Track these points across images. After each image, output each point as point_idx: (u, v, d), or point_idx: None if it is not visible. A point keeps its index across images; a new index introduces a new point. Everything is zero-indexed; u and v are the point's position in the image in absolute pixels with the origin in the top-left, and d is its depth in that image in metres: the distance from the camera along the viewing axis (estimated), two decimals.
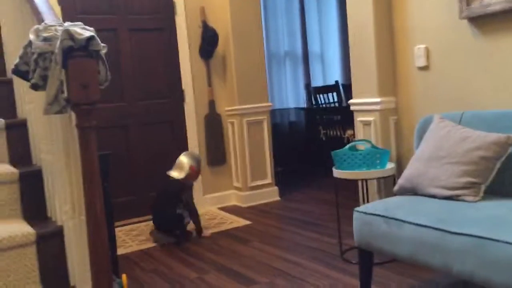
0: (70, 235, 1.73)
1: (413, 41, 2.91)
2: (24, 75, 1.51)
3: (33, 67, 1.42)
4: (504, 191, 2.17)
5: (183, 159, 3.60)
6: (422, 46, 2.85)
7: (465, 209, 1.99)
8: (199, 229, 3.57)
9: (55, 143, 1.72)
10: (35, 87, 1.43)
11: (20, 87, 2.30)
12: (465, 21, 2.59)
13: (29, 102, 2.14)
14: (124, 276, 2.66)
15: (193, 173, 3.60)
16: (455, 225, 1.86)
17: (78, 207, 1.59)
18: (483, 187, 2.12)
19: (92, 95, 1.37)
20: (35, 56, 1.41)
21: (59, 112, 1.42)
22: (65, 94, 1.38)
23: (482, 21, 2.52)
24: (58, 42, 1.35)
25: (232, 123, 4.45)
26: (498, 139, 2.12)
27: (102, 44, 1.46)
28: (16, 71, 1.51)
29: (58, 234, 1.84)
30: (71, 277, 1.83)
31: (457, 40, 2.66)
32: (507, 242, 1.67)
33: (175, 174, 3.57)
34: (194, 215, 3.54)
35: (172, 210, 3.46)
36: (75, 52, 1.34)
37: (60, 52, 1.32)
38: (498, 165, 2.13)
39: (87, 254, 1.54)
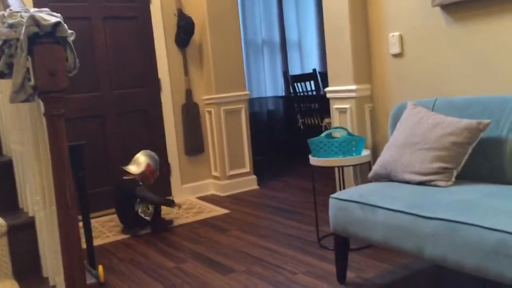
0: (41, 226, 1.70)
1: (387, 28, 2.92)
2: None
3: None
4: (476, 176, 2.21)
5: (141, 156, 3.59)
6: (396, 33, 2.87)
7: (438, 194, 2.02)
8: (168, 204, 3.56)
9: (24, 133, 1.68)
10: (0, 75, 1.39)
11: None
12: (438, 8, 2.61)
13: None
14: (100, 267, 2.65)
15: (149, 173, 3.58)
16: (427, 210, 1.89)
17: (48, 197, 1.57)
18: (455, 172, 2.16)
19: (60, 83, 1.34)
20: (0, 43, 1.37)
21: (26, 100, 1.38)
22: (32, 82, 1.35)
23: (454, 8, 2.55)
24: (23, 29, 1.31)
25: (210, 112, 4.43)
26: (469, 125, 2.15)
27: (70, 31, 1.42)
28: None
29: (30, 225, 1.81)
30: (44, 269, 1.80)
31: (430, 27, 2.68)
32: (478, 226, 1.70)
33: (132, 168, 3.55)
34: (156, 204, 3.49)
35: (129, 210, 3.43)
36: (41, 38, 1.31)
37: (25, 38, 1.29)
38: (469, 150, 2.16)
39: (59, 246, 1.51)
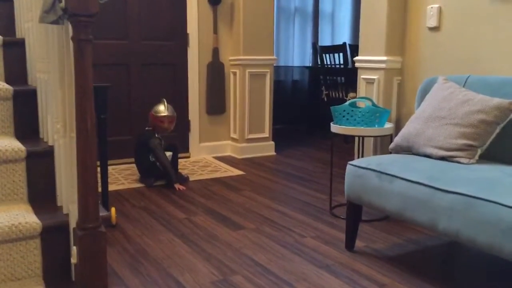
0: (60, 154, 1.72)
1: (426, 0, 2.83)
2: None
3: None
4: (501, 157, 2.15)
5: (164, 104, 3.56)
6: (435, 5, 2.77)
7: (458, 170, 1.98)
8: (172, 181, 3.44)
9: (51, 61, 1.68)
10: None
11: (20, 4, 2.24)
12: None
13: (28, 20, 2.09)
14: (113, 209, 2.69)
15: (173, 120, 3.56)
16: (446, 183, 1.86)
17: (69, 125, 1.57)
18: (479, 151, 2.11)
19: (90, 7, 1.32)
20: None
21: (55, 22, 1.37)
22: (63, 4, 1.33)
23: None
24: None
25: (235, 73, 4.40)
26: (500, 104, 2.09)
27: None
28: None
29: (49, 154, 1.83)
30: (59, 198, 1.83)
31: (472, 2, 2.58)
32: (496, 202, 1.67)
33: (162, 108, 3.52)
34: (166, 170, 3.43)
35: (145, 159, 3.49)
36: None
37: None
38: (497, 130, 2.10)
39: (76, 174, 1.53)
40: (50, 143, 1.87)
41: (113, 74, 4.00)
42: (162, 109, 3.52)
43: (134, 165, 4.04)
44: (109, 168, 3.84)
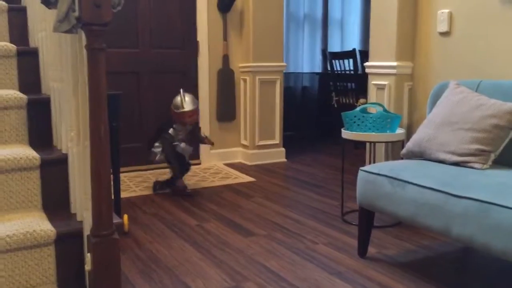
0: (73, 162, 1.73)
1: (436, 4, 2.82)
2: None
3: None
4: None
5: (184, 99, 3.37)
6: (446, 10, 2.76)
7: (472, 175, 1.97)
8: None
9: (64, 69, 1.70)
10: (46, 3, 1.40)
11: (34, 15, 2.27)
12: None
13: (41, 30, 2.12)
14: (125, 216, 2.70)
15: (192, 114, 3.38)
16: (459, 189, 1.84)
17: (83, 133, 1.59)
18: (492, 156, 2.09)
19: (104, 16, 1.34)
20: None
21: (69, 31, 1.39)
22: (76, 13, 1.35)
23: None
24: None
25: (245, 80, 4.41)
26: None
27: None
28: None
29: (62, 161, 1.85)
30: (72, 205, 1.84)
31: (483, 6, 2.57)
32: (510, 208, 1.65)
33: (178, 102, 3.34)
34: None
35: (155, 136, 3.44)
36: None
37: None
38: (511, 135, 2.09)
39: (89, 182, 1.54)
40: (63, 151, 1.89)
41: (124, 82, 4.04)
42: (179, 103, 3.32)
43: (145, 172, 4.07)
44: (121, 175, 3.86)
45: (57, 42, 1.77)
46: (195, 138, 3.55)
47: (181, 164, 3.45)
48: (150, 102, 4.19)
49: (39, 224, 1.66)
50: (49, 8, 1.46)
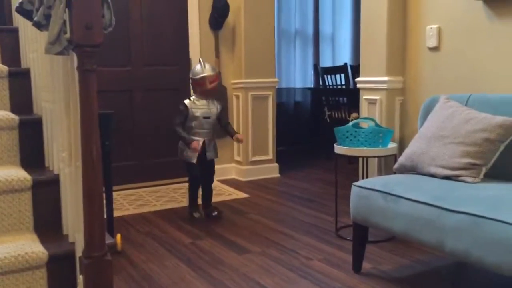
0: (65, 183, 1.72)
1: (425, 20, 2.86)
2: (28, 14, 1.48)
3: (37, 6, 1.39)
4: (505, 175, 2.15)
5: (204, 64, 3.11)
6: (434, 26, 2.80)
7: (464, 189, 1.97)
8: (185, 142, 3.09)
9: (56, 90, 1.70)
10: (37, 25, 1.41)
11: (25, 35, 2.28)
12: (480, 2, 2.54)
13: (33, 51, 2.13)
14: (118, 236, 2.68)
15: (214, 79, 3.08)
16: (452, 203, 1.85)
17: (75, 154, 1.58)
18: (484, 169, 2.10)
19: (95, 37, 1.34)
20: None
21: (61, 53, 1.40)
22: (68, 35, 1.36)
23: (498, 3, 2.47)
24: None
25: (237, 96, 4.43)
26: (503, 122, 2.09)
27: None
28: (20, 10, 1.48)
29: (54, 182, 1.84)
30: (65, 226, 1.83)
31: (470, 22, 2.61)
32: (504, 222, 1.66)
33: (198, 69, 3.08)
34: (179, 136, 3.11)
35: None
36: None
37: None
38: (501, 148, 2.10)
39: (81, 203, 1.53)
40: (55, 172, 1.88)
41: (116, 100, 4.04)
42: (199, 69, 3.06)
43: (139, 190, 4.05)
44: (114, 194, 3.83)
45: (48, 63, 1.77)
46: (223, 127, 3.23)
47: (190, 171, 3.20)
48: (143, 119, 4.19)
49: (30, 247, 1.65)
50: (41, 30, 1.47)
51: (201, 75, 3.04)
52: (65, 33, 1.37)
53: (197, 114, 3.08)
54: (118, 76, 4.06)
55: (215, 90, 3.13)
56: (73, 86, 1.52)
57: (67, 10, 1.35)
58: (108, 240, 2.45)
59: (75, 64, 1.43)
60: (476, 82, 2.61)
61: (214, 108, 3.13)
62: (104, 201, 2.65)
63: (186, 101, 3.10)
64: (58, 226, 1.86)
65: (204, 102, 3.11)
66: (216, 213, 3.21)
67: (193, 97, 3.12)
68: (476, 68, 2.61)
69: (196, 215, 3.22)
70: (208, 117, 3.11)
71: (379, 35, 2.99)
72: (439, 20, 2.78)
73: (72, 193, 1.65)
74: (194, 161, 3.12)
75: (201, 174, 3.19)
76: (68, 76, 1.53)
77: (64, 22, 1.36)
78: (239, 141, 3.23)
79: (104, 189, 2.64)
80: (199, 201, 3.31)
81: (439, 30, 2.79)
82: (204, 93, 3.08)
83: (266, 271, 2.34)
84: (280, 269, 2.37)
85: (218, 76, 3.12)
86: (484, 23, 2.55)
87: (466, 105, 2.37)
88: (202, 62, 3.09)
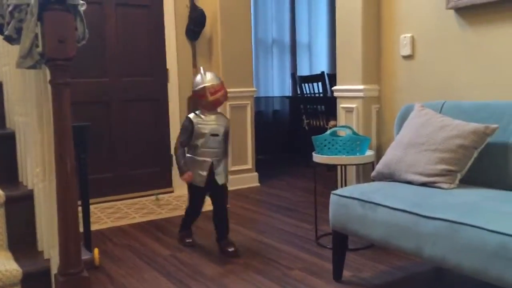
0: (39, 198, 1.69)
1: (399, 29, 2.91)
2: None
3: (8, 19, 1.37)
4: (480, 181, 2.18)
5: (205, 73, 2.73)
6: (408, 35, 2.85)
7: (440, 195, 2.00)
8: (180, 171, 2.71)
9: (29, 104, 1.67)
10: (8, 39, 1.38)
11: None
12: (452, 11, 2.60)
13: (4, 64, 2.09)
14: (96, 250, 2.64)
15: (217, 89, 2.69)
16: (429, 210, 1.87)
17: (48, 169, 1.55)
18: (459, 175, 2.13)
19: (68, 51, 1.33)
20: (10, 8, 1.36)
21: (33, 67, 1.37)
22: (40, 48, 1.34)
23: (468, 12, 2.53)
24: None
25: None
26: (476, 129, 2.13)
27: (81, 1, 1.42)
28: None
29: (28, 197, 1.80)
30: (39, 242, 1.79)
31: (442, 30, 2.66)
32: (480, 227, 1.68)
33: (198, 79, 2.70)
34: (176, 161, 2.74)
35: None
36: (51, 5, 1.30)
37: (36, 3, 1.28)
38: (475, 154, 2.14)
39: (56, 219, 1.50)
40: (29, 187, 1.84)
41: (94, 112, 3.99)
42: (199, 79, 2.69)
43: (117, 202, 3.99)
44: (91, 207, 3.77)
45: (21, 76, 1.74)
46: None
47: (193, 195, 2.82)
48: (121, 131, 4.14)
49: (4, 264, 1.60)
50: (12, 44, 1.44)
51: (201, 86, 2.65)
52: (37, 46, 1.34)
53: (205, 131, 2.65)
54: (95, 88, 4.02)
55: (218, 102, 2.70)
56: (46, 100, 1.49)
57: (39, 23, 1.33)
58: (86, 255, 2.42)
59: (48, 77, 1.41)
60: (450, 90, 2.66)
61: (223, 124, 2.73)
62: (81, 215, 2.61)
63: (191, 116, 2.69)
64: (33, 243, 1.83)
65: (212, 117, 2.69)
66: (233, 249, 2.71)
67: (199, 111, 2.71)
68: (450, 76, 2.66)
69: (189, 240, 2.88)
70: (217, 135, 2.68)
71: (355, 44, 3.02)
72: (412, 29, 2.83)
73: (46, 209, 1.62)
74: (202, 184, 2.71)
75: (212, 202, 2.83)
76: (40, 90, 1.51)
77: (36, 35, 1.34)
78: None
79: (80, 202, 2.61)
80: (191, 224, 2.98)
81: (413, 39, 2.84)
82: (207, 107, 2.67)
83: (248, 283, 2.33)
84: (261, 279, 2.36)
85: (222, 85, 2.72)
86: (456, 31, 2.60)
87: (440, 112, 2.41)
88: (202, 71, 2.72)
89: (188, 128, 2.68)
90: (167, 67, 4.29)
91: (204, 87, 2.65)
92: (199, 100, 2.69)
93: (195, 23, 4.28)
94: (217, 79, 2.73)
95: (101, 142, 4.04)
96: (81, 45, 1.41)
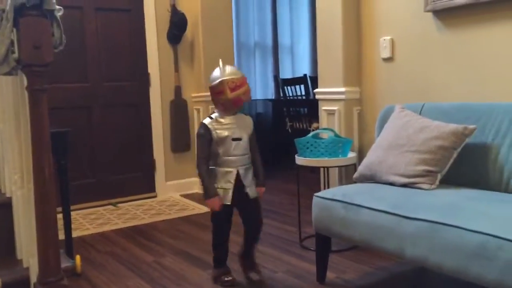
0: (18, 206, 1.66)
1: (379, 32, 2.93)
2: None
3: None
4: (460, 181, 2.21)
5: (224, 67, 2.31)
6: (388, 37, 2.88)
7: (421, 196, 2.02)
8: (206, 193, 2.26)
9: (6, 111, 1.65)
10: None
11: None
12: (430, 14, 2.63)
13: None
14: (78, 257, 2.60)
15: (239, 84, 2.25)
16: (410, 211, 1.89)
17: (27, 176, 1.53)
18: (439, 176, 2.16)
19: (45, 57, 1.31)
20: None
21: (9, 73, 1.35)
22: (16, 55, 1.32)
23: (446, 14, 2.56)
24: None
25: (198, 110, 4.40)
26: (455, 130, 2.16)
27: (58, 7, 1.40)
28: None
29: (7, 205, 1.77)
30: (18, 251, 1.76)
31: (421, 33, 2.70)
32: (460, 227, 1.70)
33: (216, 73, 2.27)
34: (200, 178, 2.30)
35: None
36: (27, 10, 1.28)
37: (12, 9, 1.26)
38: (455, 155, 2.17)
39: (35, 226, 1.48)
40: (8, 195, 1.81)
41: (75, 117, 3.94)
42: (216, 73, 2.25)
43: (99, 208, 3.95)
44: (73, 213, 3.73)
45: None
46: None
47: (218, 218, 2.34)
48: (102, 136, 4.10)
49: None
50: None
51: (218, 80, 2.21)
52: (13, 52, 1.32)
53: (224, 135, 2.23)
54: (76, 93, 3.97)
55: (240, 101, 2.23)
56: (23, 107, 1.47)
57: (14, 29, 1.31)
58: (67, 262, 2.39)
59: (25, 84, 1.39)
60: (429, 91, 2.69)
61: (246, 126, 2.33)
62: (62, 222, 2.58)
63: (206, 121, 2.25)
64: (12, 251, 1.80)
65: (231, 118, 2.27)
66: (258, 278, 2.38)
67: (215, 114, 2.29)
68: (429, 77, 2.69)
69: (228, 279, 2.34)
70: (239, 139, 2.27)
71: (335, 47, 3.04)
72: (392, 32, 2.86)
73: (25, 216, 1.59)
74: (228, 202, 2.25)
75: (244, 220, 2.43)
76: (17, 97, 1.49)
77: (12, 42, 1.32)
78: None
79: (61, 209, 2.58)
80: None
81: (392, 42, 2.87)
82: (227, 106, 2.22)
83: (231, 286, 2.32)
84: (244, 283, 2.36)
85: (244, 80, 2.28)
86: (434, 34, 2.63)
87: (420, 113, 2.44)
88: (221, 65, 2.28)
89: (206, 137, 2.21)
90: (149, 71, 4.26)
91: (222, 81, 2.20)
92: (216, 98, 2.25)
93: (176, 27, 4.26)
94: (239, 73, 2.29)
95: (83, 147, 4.00)
96: (59, 50, 1.39)
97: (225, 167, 2.25)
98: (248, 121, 2.36)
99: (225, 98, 2.20)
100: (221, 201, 2.22)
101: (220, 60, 2.31)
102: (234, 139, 2.25)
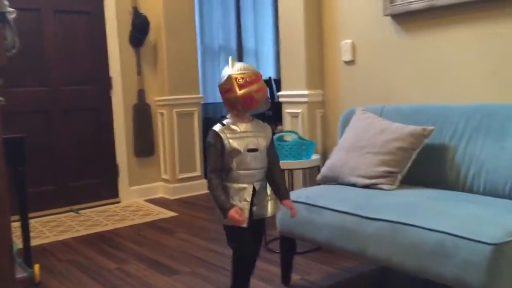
0: None
1: (340, 35, 2.98)
2: None
3: None
4: (419, 181, 2.26)
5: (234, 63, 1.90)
6: (349, 41, 2.92)
7: (382, 197, 2.06)
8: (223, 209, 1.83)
9: None
10: None
11: None
12: (389, 18, 2.69)
13: None
14: (36, 267, 2.52)
15: (251, 80, 1.84)
16: (371, 211, 1.92)
17: None
18: (399, 176, 2.20)
19: None
20: None
21: None
22: None
23: (404, 19, 2.62)
24: None
25: (162, 114, 4.36)
26: (414, 131, 2.21)
27: (11, 9, 1.35)
28: None
29: None
30: None
31: (381, 36, 2.75)
32: (418, 226, 1.74)
33: (227, 69, 1.87)
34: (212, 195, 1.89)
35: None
36: None
37: None
38: (414, 155, 2.22)
39: None
40: None
41: (33, 122, 3.83)
42: (225, 70, 1.88)
43: (60, 215, 3.84)
44: (32, 221, 3.62)
45: None
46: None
47: (239, 244, 1.97)
48: (62, 141, 3.99)
49: None
50: None
51: (226, 75, 1.86)
52: None
53: (236, 145, 1.84)
54: (34, 97, 3.86)
55: (252, 100, 1.83)
56: None
57: None
58: (25, 271, 2.31)
59: None
60: (389, 94, 2.74)
61: (263, 134, 1.95)
62: (20, 229, 2.50)
63: (217, 128, 1.87)
64: None
65: (247, 125, 1.90)
66: None
67: (228, 120, 1.91)
68: (389, 80, 2.75)
69: None
70: (255, 149, 1.88)
71: (298, 50, 3.07)
72: (352, 35, 2.91)
73: None
74: (245, 224, 1.83)
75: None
76: None
77: None
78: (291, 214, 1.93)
79: (19, 217, 2.50)
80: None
81: (353, 45, 2.91)
82: (237, 107, 1.85)
83: None
84: (209, 287, 2.34)
85: (257, 77, 1.87)
86: (393, 37, 2.69)
87: (381, 116, 2.48)
88: (232, 61, 1.91)
89: (217, 146, 1.84)
90: (110, 74, 4.18)
91: (230, 76, 1.84)
92: (224, 97, 1.89)
93: (138, 30, 4.20)
94: (251, 68, 1.90)
95: (42, 153, 3.88)
96: (12, 54, 1.34)
97: (239, 183, 1.86)
98: (266, 129, 1.99)
99: (234, 97, 1.82)
100: (241, 212, 1.80)
101: (230, 57, 1.97)
102: (249, 150, 1.86)
